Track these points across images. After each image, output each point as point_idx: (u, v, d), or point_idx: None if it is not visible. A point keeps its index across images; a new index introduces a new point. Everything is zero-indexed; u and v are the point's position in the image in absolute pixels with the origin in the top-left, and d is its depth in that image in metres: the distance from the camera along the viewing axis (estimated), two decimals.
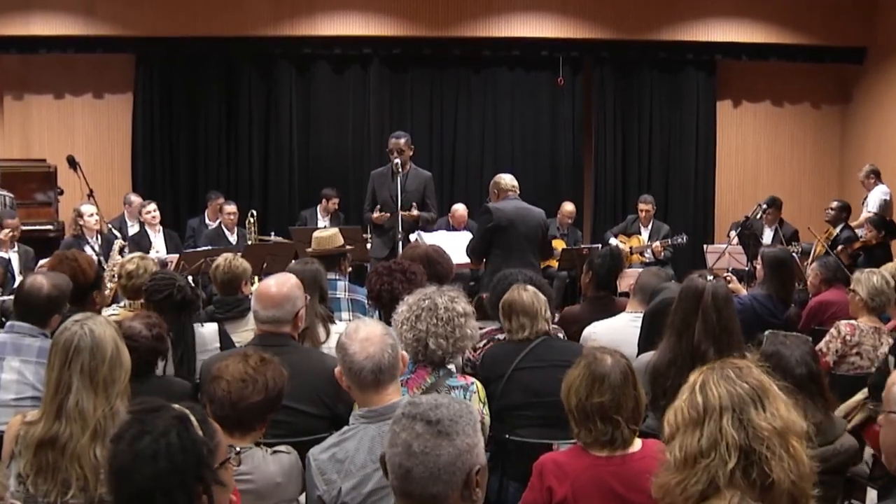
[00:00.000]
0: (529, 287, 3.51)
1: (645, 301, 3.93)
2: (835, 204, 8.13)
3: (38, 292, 3.27)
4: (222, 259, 4.28)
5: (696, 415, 1.76)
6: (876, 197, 8.29)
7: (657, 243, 8.22)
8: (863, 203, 8.47)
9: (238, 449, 2.07)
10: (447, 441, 1.64)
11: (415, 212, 6.25)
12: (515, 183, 5.59)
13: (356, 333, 2.40)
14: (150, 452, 1.62)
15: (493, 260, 5.28)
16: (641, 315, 3.83)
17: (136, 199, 8.33)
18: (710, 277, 3.00)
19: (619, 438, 2.32)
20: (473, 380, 3.03)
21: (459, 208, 8.60)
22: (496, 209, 5.39)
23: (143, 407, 1.71)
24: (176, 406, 1.74)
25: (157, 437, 1.64)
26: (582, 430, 2.35)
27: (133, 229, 8.05)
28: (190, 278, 4.03)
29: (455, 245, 5.57)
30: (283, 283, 3.12)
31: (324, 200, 8.81)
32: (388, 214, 6.27)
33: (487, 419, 3.00)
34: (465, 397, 2.85)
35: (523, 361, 3.28)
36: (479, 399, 2.94)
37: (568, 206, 8.89)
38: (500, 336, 3.71)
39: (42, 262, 5.95)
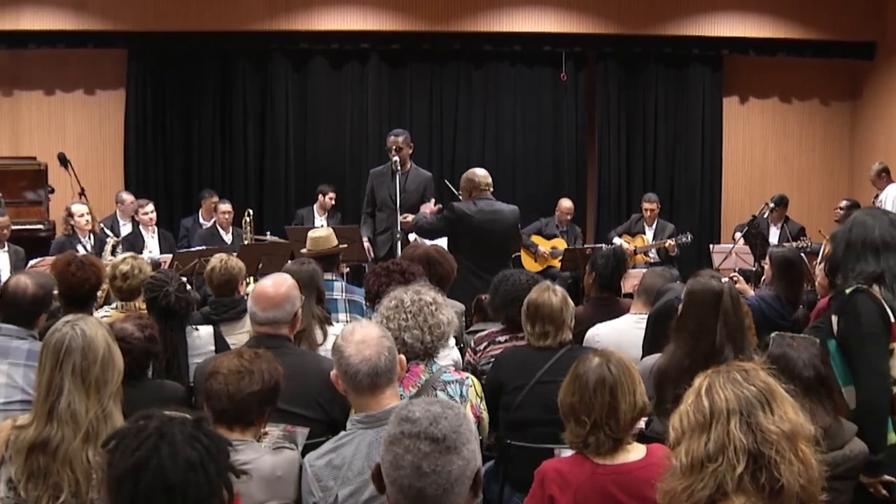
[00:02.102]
0: (559, 290, 3.38)
1: (650, 302, 3.93)
2: (844, 203, 8.12)
3: (24, 293, 3.27)
4: (217, 260, 4.27)
5: (703, 419, 1.76)
6: (893, 196, 8.27)
7: (670, 241, 8.20)
8: (874, 202, 8.45)
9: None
10: (455, 455, 1.64)
11: (409, 217, 6.22)
12: (489, 180, 5.53)
13: (352, 336, 2.40)
14: (197, 460, 1.60)
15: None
16: (646, 316, 3.84)
17: (128, 197, 8.32)
18: (723, 279, 3.00)
19: (593, 443, 2.33)
20: (468, 374, 3.03)
21: None
22: (463, 215, 5.35)
23: (161, 420, 1.66)
24: (171, 412, 1.73)
25: (194, 445, 1.62)
26: (566, 427, 2.40)
27: (126, 229, 8.04)
28: (184, 279, 4.01)
29: None
30: (280, 284, 3.12)
31: (320, 196, 8.80)
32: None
33: (486, 415, 3.01)
34: (460, 392, 2.87)
35: (547, 374, 3.17)
36: (476, 394, 2.95)
37: (566, 203, 8.89)
38: (501, 338, 3.71)
39: (32, 262, 5.95)
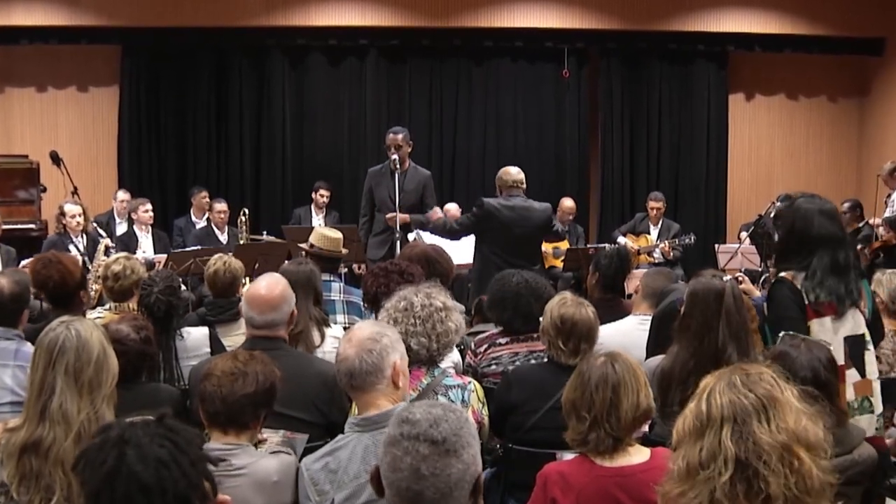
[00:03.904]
0: (588, 304, 3.29)
1: (652, 304, 3.93)
2: (846, 206, 8.10)
3: (1, 294, 3.27)
4: (220, 262, 4.25)
5: (700, 424, 1.76)
6: None
7: (665, 243, 8.21)
8: (885, 201, 8.43)
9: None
10: (455, 458, 1.64)
11: (406, 216, 6.21)
12: (521, 177, 5.57)
13: (348, 334, 2.43)
14: (167, 456, 1.59)
15: (482, 260, 5.30)
16: (649, 318, 3.84)
17: (123, 196, 8.33)
18: (725, 277, 3.01)
19: (593, 441, 2.34)
20: (471, 379, 3.03)
21: (452, 208, 8.57)
22: (491, 208, 5.38)
23: (122, 427, 1.65)
24: (132, 418, 1.72)
25: (161, 442, 1.61)
26: (568, 425, 2.42)
27: (121, 228, 8.05)
28: (179, 280, 4.02)
29: (455, 244, 5.58)
30: (275, 285, 3.12)
31: (313, 193, 8.83)
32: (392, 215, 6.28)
33: (487, 421, 3.00)
34: (462, 397, 2.86)
35: None
36: (479, 399, 2.95)
37: (567, 202, 8.89)
38: (502, 340, 3.71)
39: (24, 262, 5.95)
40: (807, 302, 3.19)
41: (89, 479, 1.60)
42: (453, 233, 5.68)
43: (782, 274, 3.26)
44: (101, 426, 1.71)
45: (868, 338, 3.31)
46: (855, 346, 3.22)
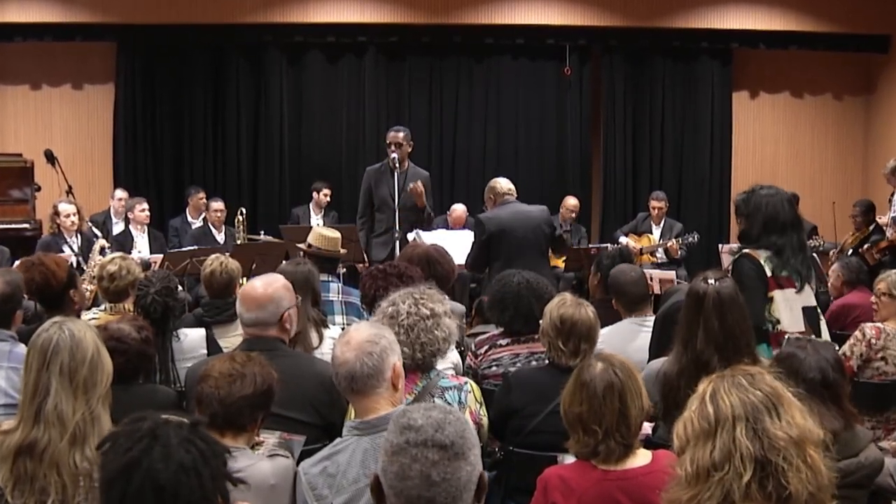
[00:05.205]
0: (587, 304, 3.29)
1: (644, 307, 4.02)
2: (857, 209, 8.09)
3: None
4: (217, 262, 4.25)
5: (708, 426, 1.76)
6: None
7: (672, 242, 8.20)
8: (890, 199, 8.42)
9: None
10: (464, 461, 1.64)
11: (422, 197, 6.20)
12: (511, 186, 5.63)
13: (344, 335, 2.42)
14: (190, 463, 1.60)
15: (495, 269, 5.30)
16: (644, 318, 3.91)
17: (121, 195, 8.33)
18: (711, 280, 2.96)
19: (604, 451, 2.32)
20: (467, 379, 3.02)
21: (458, 208, 8.59)
22: (487, 219, 5.43)
23: (156, 422, 1.66)
24: (167, 415, 1.72)
25: (188, 448, 1.62)
26: (571, 437, 2.39)
27: (118, 227, 8.05)
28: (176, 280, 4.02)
29: (456, 244, 5.58)
30: (269, 284, 3.10)
31: (315, 194, 8.83)
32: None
33: (485, 421, 3.00)
34: (459, 398, 2.85)
35: None
36: (476, 399, 2.94)
37: (571, 201, 8.88)
38: (503, 342, 3.71)
39: (17, 262, 5.95)
40: (769, 275, 3.62)
41: (109, 464, 1.62)
42: (476, 264, 5.57)
43: (746, 250, 3.70)
44: (134, 415, 1.71)
45: (819, 310, 3.80)
46: (812, 316, 3.68)
